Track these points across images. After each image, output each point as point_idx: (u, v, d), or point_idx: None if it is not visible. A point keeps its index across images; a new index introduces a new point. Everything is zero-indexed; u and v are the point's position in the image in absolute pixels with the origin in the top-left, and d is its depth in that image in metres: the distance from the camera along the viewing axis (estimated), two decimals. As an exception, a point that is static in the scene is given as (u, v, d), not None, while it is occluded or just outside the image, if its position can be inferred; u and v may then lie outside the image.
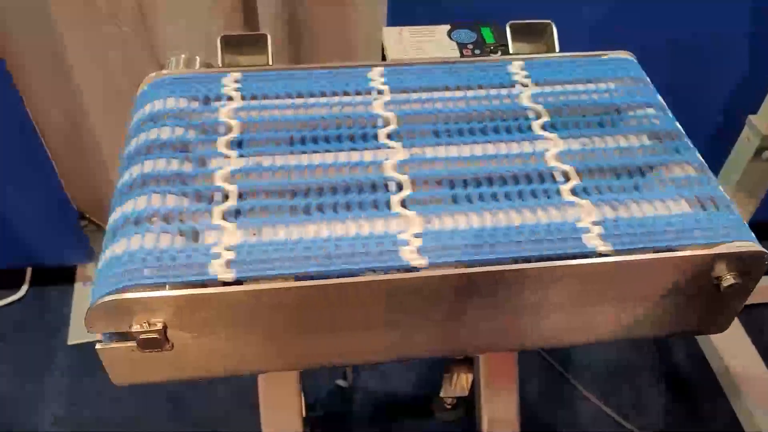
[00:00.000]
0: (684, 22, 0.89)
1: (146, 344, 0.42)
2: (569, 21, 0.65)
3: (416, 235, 0.44)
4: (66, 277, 1.29)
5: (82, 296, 1.26)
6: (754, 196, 0.99)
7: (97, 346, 0.43)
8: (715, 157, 1.01)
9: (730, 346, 1.07)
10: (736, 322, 1.12)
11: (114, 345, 0.43)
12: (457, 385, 1.07)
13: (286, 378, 0.73)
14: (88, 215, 1.30)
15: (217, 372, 0.47)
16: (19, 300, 1.28)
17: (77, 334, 1.18)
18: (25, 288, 1.29)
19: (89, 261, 1.26)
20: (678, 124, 0.54)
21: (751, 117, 0.92)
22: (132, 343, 0.42)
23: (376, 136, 0.52)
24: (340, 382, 1.13)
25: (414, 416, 1.13)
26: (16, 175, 1.10)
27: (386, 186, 0.48)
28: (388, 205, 0.47)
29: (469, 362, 0.95)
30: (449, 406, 1.08)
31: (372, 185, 0.48)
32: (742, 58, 0.94)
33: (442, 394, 1.09)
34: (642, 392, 1.10)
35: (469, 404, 1.09)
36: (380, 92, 0.56)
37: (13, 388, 1.14)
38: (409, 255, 0.43)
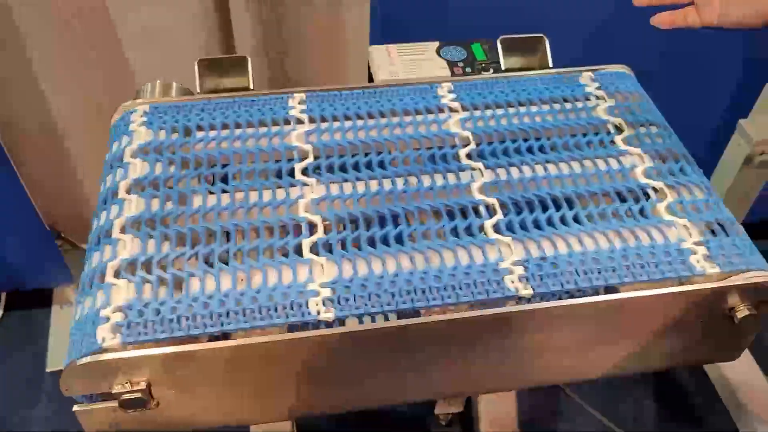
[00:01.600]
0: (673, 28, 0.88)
1: (129, 404, 0.39)
2: (559, 33, 0.63)
3: (324, 285, 0.41)
4: (43, 300, 1.24)
5: (60, 320, 1.22)
6: (745, 201, 0.98)
7: (75, 408, 0.40)
8: (707, 162, 1.00)
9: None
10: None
11: (94, 406, 0.40)
12: (452, 401, 1.04)
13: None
14: (63, 234, 1.26)
15: (203, 425, 0.44)
16: (-6, 325, 1.23)
17: (57, 360, 1.14)
18: (-1, 313, 1.24)
19: (66, 283, 1.22)
20: (680, 142, 0.52)
21: (741, 121, 0.91)
22: (113, 403, 0.39)
23: (291, 172, 0.48)
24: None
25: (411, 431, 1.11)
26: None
27: (298, 228, 0.45)
28: (298, 250, 0.43)
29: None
30: (444, 422, 1.06)
31: (283, 228, 0.45)
32: (733, 63, 0.93)
33: (436, 411, 1.06)
34: (641, 405, 1.09)
35: (463, 420, 1.06)
36: (300, 121, 0.52)
37: (-9, 419, 1.10)
38: (316, 307, 0.39)
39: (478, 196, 0.47)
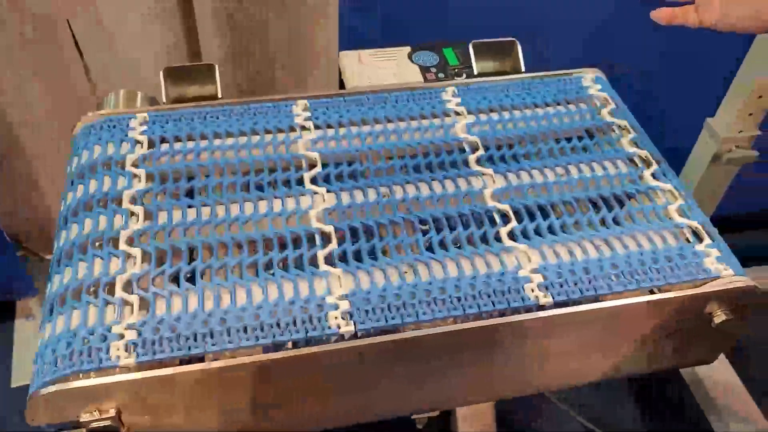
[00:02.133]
0: (642, 24, 0.88)
1: (98, 433, 0.37)
2: (529, 37, 0.62)
3: (342, 297, 0.40)
4: (5, 313, 1.20)
5: (25, 333, 1.18)
6: (713, 197, 0.99)
7: (41, 439, 0.38)
8: (676, 160, 1.01)
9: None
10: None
11: (60, 436, 0.38)
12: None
13: None
14: (26, 245, 1.22)
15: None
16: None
17: (21, 375, 1.11)
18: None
19: (30, 295, 1.18)
20: (653, 145, 0.52)
21: (708, 120, 0.92)
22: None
23: (301, 181, 0.47)
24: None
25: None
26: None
27: (312, 239, 0.43)
28: (314, 262, 0.42)
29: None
30: (421, 426, 1.06)
31: (294, 239, 0.43)
32: (701, 62, 0.94)
33: (413, 415, 1.06)
34: (618, 404, 1.10)
35: (441, 423, 1.06)
36: (304, 128, 0.51)
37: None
38: (336, 321, 0.39)
39: (491, 203, 0.46)
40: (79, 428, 0.37)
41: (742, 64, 0.86)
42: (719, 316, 0.42)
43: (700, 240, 0.45)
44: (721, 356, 0.99)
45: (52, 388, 0.36)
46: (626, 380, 1.14)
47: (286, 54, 0.82)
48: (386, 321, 0.39)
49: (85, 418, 0.37)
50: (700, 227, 0.45)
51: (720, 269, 0.43)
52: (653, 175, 0.49)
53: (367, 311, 0.39)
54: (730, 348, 0.47)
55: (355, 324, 0.39)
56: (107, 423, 0.37)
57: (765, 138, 0.94)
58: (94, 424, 0.37)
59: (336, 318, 0.39)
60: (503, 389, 0.46)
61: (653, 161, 0.50)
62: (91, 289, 0.40)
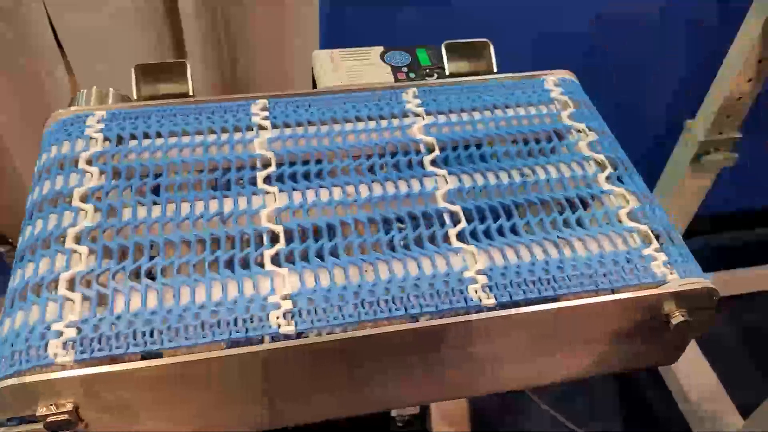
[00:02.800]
0: (622, 27, 0.89)
1: (54, 427, 0.38)
2: (504, 39, 0.63)
3: (285, 297, 0.40)
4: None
5: (9, 328, 1.18)
6: (694, 199, 1.00)
7: (-1, 431, 0.39)
8: (655, 163, 1.02)
9: (684, 363, 1.07)
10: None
11: (18, 429, 0.38)
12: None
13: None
14: (11, 240, 1.22)
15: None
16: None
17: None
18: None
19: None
20: (621, 150, 0.52)
21: (688, 122, 0.92)
22: (39, 426, 0.38)
23: (253, 181, 0.47)
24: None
25: (366, 434, 1.10)
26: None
27: (260, 238, 0.43)
28: (259, 261, 0.42)
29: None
30: (401, 424, 1.06)
31: (242, 239, 0.43)
32: (680, 64, 0.95)
33: (393, 413, 1.06)
34: (594, 401, 1.11)
35: (420, 420, 1.06)
36: (262, 128, 0.51)
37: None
38: (278, 321, 0.39)
39: (443, 204, 0.46)
40: (36, 422, 0.38)
41: (721, 65, 0.87)
42: (676, 317, 0.43)
43: (650, 244, 0.45)
44: (699, 356, 1.00)
45: (10, 381, 0.36)
46: (610, 380, 1.15)
47: (266, 53, 0.82)
48: (328, 321, 0.39)
49: (41, 412, 0.37)
50: (648, 231, 0.46)
51: (666, 272, 0.43)
52: (608, 179, 0.49)
53: (309, 311, 0.39)
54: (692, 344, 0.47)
55: (296, 324, 0.39)
56: (64, 417, 0.37)
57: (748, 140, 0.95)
58: (51, 418, 0.37)
59: (277, 317, 0.39)
60: (451, 390, 0.46)
61: (608, 165, 0.50)
62: (40, 288, 0.40)
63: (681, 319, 0.43)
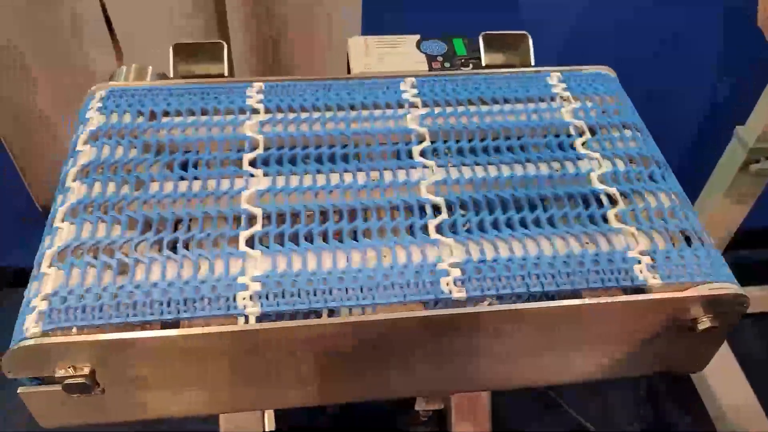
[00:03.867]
0: (673, 32, 0.86)
1: (72, 389, 0.39)
2: (547, 33, 0.62)
3: (255, 279, 0.40)
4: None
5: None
6: (741, 208, 0.96)
7: (20, 390, 0.40)
8: (702, 169, 0.99)
9: (715, 364, 1.04)
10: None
11: (38, 389, 0.40)
12: (431, 398, 1.04)
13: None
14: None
15: (154, 415, 0.43)
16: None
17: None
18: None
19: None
20: (657, 149, 0.51)
21: (738, 128, 0.89)
22: (57, 387, 0.39)
23: (239, 162, 0.47)
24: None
25: (388, 429, 1.10)
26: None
27: (238, 220, 0.44)
28: (234, 242, 0.42)
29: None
30: (424, 419, 1.06)
31: (219, 219, 0.44)
32: (732, 68, 0.91)
33: (416, 407, 1.06)
34: (614, 403, 1.09)
35: (443, 417, 1.06)
36: (255, 111, 0.51)
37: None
38: (242, 302, 0.39)
39: (426, 195, 0.46)
40: (55, 383, 0.39)
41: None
42: (703, 323, 0.41)
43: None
44: (733, 362, 0.96)
45: (29, 342, 0.37)
46: (627, 380, 1.12)
47: (308, 39, 0.83)
48: (294, 305, 0.39)
49: (60, 373, 0.38)
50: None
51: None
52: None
53: (276, 294, 0.39)
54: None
55: (261, 305, 0.39)
56: (81, 380, 0.38)
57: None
58: (69, 380, 0.38)
59: (243, 299, 0.39)
60: (423, 384, 0.45)
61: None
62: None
63: (708, 324, 0.41)
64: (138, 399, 0.41)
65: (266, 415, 1.04)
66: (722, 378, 1.05)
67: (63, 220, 0.43)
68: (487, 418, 0.76)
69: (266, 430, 1.04)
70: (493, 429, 0.92)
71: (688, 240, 0.44)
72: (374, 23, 0.83)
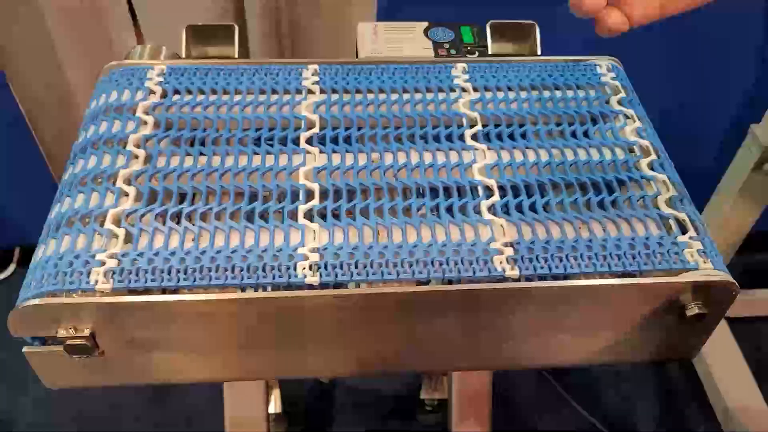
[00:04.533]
0: (687, 27, 0.86)
1: (73, 350, 0.40)
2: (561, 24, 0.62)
3: (314, 250, 0.41)
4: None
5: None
6: (754, 207, 0.95)
7: (25, 349, 0.42)
8: (718, 167, 0.98)
9: (723, 364, 1.04)
10: (729, 338, 1.09)
11: (42, 349, 0.41)
12: (437, 387, 1.05)
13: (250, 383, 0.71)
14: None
15: (155, 380, 0.45)
16: (6, 279, 1.28)
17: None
18: (12, 267, 1.29)
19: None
20: (657, 138, 0.51)
21: (753, 126, 0.88)
22: (60, 348, 0.41)
23: (296, 140, 0.49)
24: (321, 378, 1.12)
25: (396, 416, 1.11)
26: (2, 158, 1.09)
27: (296, 195, 0.45)
28: (293, 215, 0.44)
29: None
30: (430, 408, 1.07)
31: (279, 194, 0.45)
32: (747, 66, 0.91)
33: (422, 396, 1.07)
34: (630, 404, 1.08)
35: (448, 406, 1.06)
36: (311, 92, 0.53)
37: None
38: (302, 271, 0.40)
39: (478, 177, 0.47)
40: (57, 344, 0.41)
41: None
42: (691, 309, 0.42)
43: (684, 232, 0.44)
44: (741, 360, 0.96)
45: (34, 301, 0.39)
46: (639, 378, 1.12)
47: (324, 24, 0.84)
48: (351, 276, 0.40)
49: (61, 333, 0.40)
50: (686, 219, 0.45)
51: (698, 261, 0.42)
52: (649, 166, 0.48)
53: (335, 266, 0.41)
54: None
55: (320, 275, 0.40)
56: (81, 342, 0.40)
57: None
58: (69, 341, 0.40)
59: (304, 268, 0.40)
60: (460, 359, 0.46)
61: (652, 152, 0.49)
62: (85, 220, 0.43)
63: (696, 311, 0.42)
64: (142, 364, 0.43)
65: (273, 396, 1.06)
66: (730, 379, 1.04)
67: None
68: (487, 414, 0.77)
69: (275, 411, 1.06)
70: (502, 427, 0.93)
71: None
72: (392, 10, 0.84)
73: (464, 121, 0.51)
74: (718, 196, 0.98)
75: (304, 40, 0.88)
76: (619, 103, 0.53)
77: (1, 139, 1.08)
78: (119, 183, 0.45)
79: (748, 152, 0.90)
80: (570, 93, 0.54)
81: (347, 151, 0.48)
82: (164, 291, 0.41)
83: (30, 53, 0.92)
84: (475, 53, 0.58)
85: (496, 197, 0.46)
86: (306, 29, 0.86)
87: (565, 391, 1.06)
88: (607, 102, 0.54)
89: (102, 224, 0.42)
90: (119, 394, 1.12)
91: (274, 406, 1.05)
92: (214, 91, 0.53)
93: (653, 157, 0.49)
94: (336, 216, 0.44)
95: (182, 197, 0.46)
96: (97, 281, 0.39)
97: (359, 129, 0.50)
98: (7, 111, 0.98)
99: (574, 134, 0.51)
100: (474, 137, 0.50)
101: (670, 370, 1.11)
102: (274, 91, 0.53)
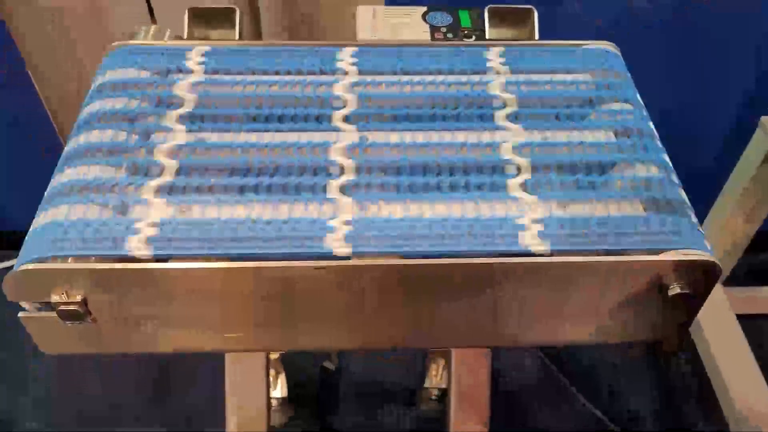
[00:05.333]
0: (695, 19, 0.85)
1: (66, 315, 0.42)
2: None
3: (346, 222, 0.43)
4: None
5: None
6: (764, 202, 0.94)
7: (20, 314, 0.43)
8: (725, 161, 0.97)
9: (730, 359, 1.03)
10: (740, 335, 1.07)
11: (37, 315, 0.43)
12: (440, 376, 1.05)
13: (252, 358, 0.72)
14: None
15: (144, 348, 0.46)
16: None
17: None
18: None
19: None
20: (650, 122, 0.51)
21: (763, 118, 0.87)
22: (54, 314, 0.42)
23: (330, 118, 0.51)
24: (327, 364, 1.13)
25: (400, 403, 1.12)
26: (19, 143, 1.12)
27: (328, 170, 0.47)
28: (324, 189, 0.45)
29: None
30: (434, 398, 1.07)
31: (314, 169, 0.47)
32: (748, 64, 0.89)
33: (425, 385, 1.07)
34: (636, 399, 1.08)
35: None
36: (346, 73, 0.54)
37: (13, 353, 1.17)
38: (333, 243, 0.41)
39: (509, 156, 0.48)
40: (51, 310, 0.42)
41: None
42: (673, 289, 0.42)
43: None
44: (751, 360, 0.95)
45: (30, 266, 0.40)
46: (648, 379, 1.12)
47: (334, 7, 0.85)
48: (381, 248, 0.41)
49: (54, 299, 0.41)
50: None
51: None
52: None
53: (366, 238, 0.42)
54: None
55: (352, 247, 0.41)
56: (73, 308, 0.41)
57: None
58: (62, 307, 0.41)
59: (335, 240, 0.41)
60: (478, 336, 0.47)
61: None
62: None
63: (678, 290, 0.42)
64: (133, 332, 0.44)
65: (279, 382, 1.07)
66: (740, 379, 1.04)
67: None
68: (485, 404, 0.77)
69: (280, 395, 1.07)
70: (507, 424, 0.94)
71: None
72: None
73: (497, 102, 0.52)
74: (727, 190, 0.97)
75: (313, 22, 0.90)
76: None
77: (25, 132, 1.10)
78: (159, 156, 0.47)
79: (759, 145, 0.89)
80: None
81: (380, 130, 0.50)
82: (206, 259, 0.41)
83: (51, 46, 0.95)
84: (471, 37, 0.58)
85: (526, 174, 0.46)
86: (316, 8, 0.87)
87: (568, 383, 1.06)
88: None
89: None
90: (119, 394, 1.13)
91: (281, 392, 1.07)
92: (252, 72, 0.54)
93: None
94: (369, 191, 0.45)
95: (219, 171, 0.47)
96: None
97: (393, 108, 0.51)
98: (29, 105, 1.01)
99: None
100: (507, 117, 0.51)
101: (672, 365, 1.10)
102: (310, 72, 0.54)
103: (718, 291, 1.13)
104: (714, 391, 1.06)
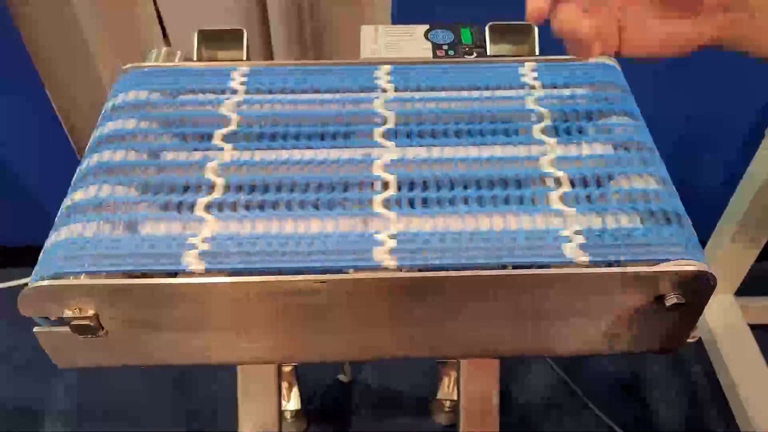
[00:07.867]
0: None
1: (79, 330, 0.43)
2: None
3: (392, 236, 0.44)
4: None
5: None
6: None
7: (35, 329, 0.45)
8: (735, 170, 0.97)
9: (744, 369, 1.02)
10: (753, 345, 1.07)
11: (51, 329, 0.45)
12: (452, 387, 1.06)
13: (263, 370, 0.74)
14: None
15: (157, 361, 0.48)
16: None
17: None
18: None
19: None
20: (648, 135, 0.52)
21: (772, 127, 0.87)
22: (67, 328, 0.44)
23: (371, 134, 0.52)
24: (341, 377, 1.13)
25: (413, 415, 1.12)
26: (32, 152, 1.14)
27: (371, 185, 0.48)
28: (369, 204, 0.47)
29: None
30: (448, 409, 1.08)
31: (357, 184, 0.48)
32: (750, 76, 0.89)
33: (438, 396, 1.08)
34: (648, 408, 1.08)
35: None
36: (384, 90, 0.56)
37: (30, 365, 1.19)
38: (381, 256, 0.43)
39: (548, 169, 0.49)
40: (66, 325, 0.44)
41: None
42: (670, 299, 0.43)
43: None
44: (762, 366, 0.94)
45: (44, 282, 0.42)
46: (660, 386, 1.11)
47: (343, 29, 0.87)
48: (426, 261, 0.43)
49: (67, 314, 0.43)
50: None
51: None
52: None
53: (411, 251, 0.43)
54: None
55: (397, 260, 0.43)
56: (86, 322, 0.43)
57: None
58: (75, 321, 0.43)
59: (381, 253, 0.43)
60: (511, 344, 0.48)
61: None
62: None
63: (675, 300, 0.42)
64: (145, 345, 0.46)
65: (292, 394, 1.08)
66: (754, 389, 1.03)
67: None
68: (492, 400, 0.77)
69: (294, 408, 1.08)
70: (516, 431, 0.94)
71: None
72: (413, 11, 0.85)
73: (533, 116, 0.53)
74: (736, 199, 0.96)
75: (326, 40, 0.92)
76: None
77: (36, 138, 1.12)
78: (208, 174, 0.49)
79: (765, 156, 0.89)
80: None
81: (420, 145, 0.51)
82: (257, 273, 0.43)
83: (65, 54, 0.97)
84: (472, 54, 0.60)
85: (565, 188, 0.48)
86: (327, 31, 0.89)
87: (583, 396, 1.06)
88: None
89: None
90: (143, 386, 1.15)
91: (294, 404, 1.08)
92: (293, 91, 0.56)
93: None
94: (411, 205, 0.47)
95: (265, 188, 0.48)
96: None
97: (433, 124, 0.53)
98: (42, 112, 1.03)
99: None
100: (543, 131, 0.52)
101: (693, 375, 1.10)
102: (349, 90, 0.56)
103: (730, 301, 1.12)
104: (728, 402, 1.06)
